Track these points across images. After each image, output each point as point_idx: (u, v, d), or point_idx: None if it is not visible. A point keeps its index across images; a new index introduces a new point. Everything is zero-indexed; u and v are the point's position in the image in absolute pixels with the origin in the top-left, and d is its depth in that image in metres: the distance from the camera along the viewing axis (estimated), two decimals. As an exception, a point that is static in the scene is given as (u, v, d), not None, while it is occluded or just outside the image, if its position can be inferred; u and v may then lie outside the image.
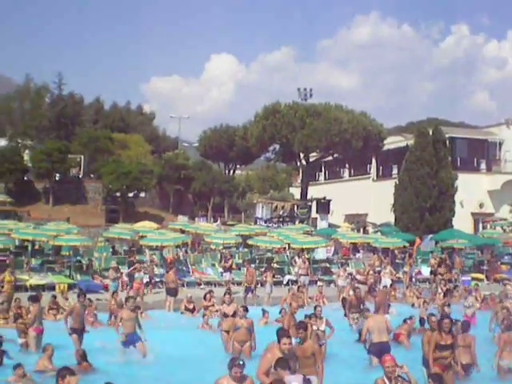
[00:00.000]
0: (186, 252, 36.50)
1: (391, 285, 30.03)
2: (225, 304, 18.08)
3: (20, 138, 61.38)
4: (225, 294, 18.55)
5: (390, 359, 10.56)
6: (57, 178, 56.46)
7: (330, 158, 63.60)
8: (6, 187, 53.55)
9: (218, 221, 55.72)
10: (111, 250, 36.34)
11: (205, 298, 24.29)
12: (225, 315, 17.52)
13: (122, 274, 29.04)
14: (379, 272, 32.23)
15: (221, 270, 32.76)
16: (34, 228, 35.13)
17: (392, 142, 60.34)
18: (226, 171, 75.40)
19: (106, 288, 28.15)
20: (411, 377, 11.60)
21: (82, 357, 14.37)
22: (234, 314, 16.81)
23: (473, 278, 35.43)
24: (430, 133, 47.81)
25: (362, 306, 20.36)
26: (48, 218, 43.22)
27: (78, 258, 32.95)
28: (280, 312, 21.03)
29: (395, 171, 57.06)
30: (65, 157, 54.98)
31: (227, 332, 16.62)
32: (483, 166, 58.42)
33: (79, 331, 16.50)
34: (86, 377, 12.93)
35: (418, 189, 45.92)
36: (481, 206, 56.22)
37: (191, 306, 24.34)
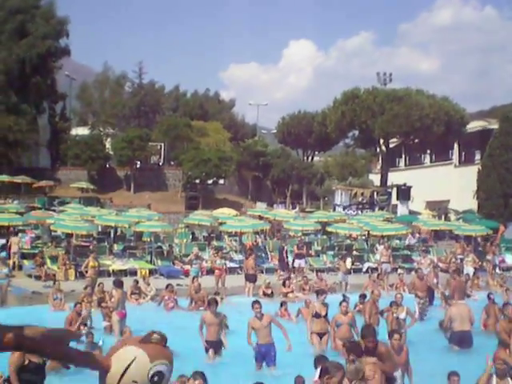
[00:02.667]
0: (265, 238, 36.56)
1: (474, 273, 29.41)
2: (316, 303, 16.17)
3: (102, 127, 62.64)
4: (318, 295, 16.50)
5: (500, 357, 10.15)
6: (138, 166, 57.46)
7: (411, 143, 62.58)
8: (88, 175, 54.78)
9: (297, 207, 55.65)
10: (191, 236, 36.71)
11: (284, 284, 24.29)
12: (316, 315, 15.69)
13: (202, 259, 29.36)
14: (461, 260, 31.60)
15: (293, 257, 32.50)
16: (116, 214, 35.90)
17: (475, 127, 58.91)
18: (305, 158, 75.14)
19: (186, 273, 28.51)
20: None
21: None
22: (326, 315, 15.54)
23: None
24: (515, 117, 46.50)
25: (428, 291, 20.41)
26: (129, 205, 44.02)
27: (159, 243, 33.43)
28: (360, 298, 20.77)
29: (478, 157, 55.76)
30: (145, 144, 55.91)
31: (319, 335, 15.38)
32: None
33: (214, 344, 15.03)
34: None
35: (502, 175, 44.79)
36: None
37: (269, 292, 24.37)
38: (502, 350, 10.77)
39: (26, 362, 10.24)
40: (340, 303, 15.40)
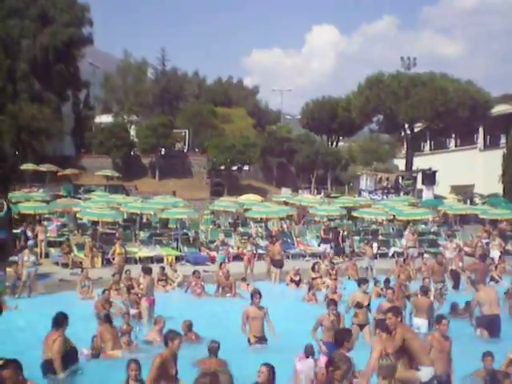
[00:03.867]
0: (291, 224, 36.64)
1: (500, 257, 29.28)
2: (358, 293, 15.24)
3: (126, 114, 62.91)
4: (360, 284, 15.64)
5: None
6: (162, 153, 57.68)
7: (436, 127, 62.20)
8: (113, 162, 55.11)
9: (322, 193, 55.63)
10: (212, 223, 36.70)
11: (313, 269, 24.32)
12: (358, 305, 14.69)
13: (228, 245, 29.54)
14: (487, 244, 31.49)
15: (318, 241, 32.70)
16: (142, 202, 36.10)
17: (500, 111, 58.43)
18: (329, 143, 75.00)
19: (212, 260, 28.68)
20: None
21: (189, 327, 14.72)
22: (369, 305, 14.89)
23: None
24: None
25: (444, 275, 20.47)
26: (154, 192, 44.23)
27: (185, 230, 33.60)
28: (384, 282, 20.81)
29: (503, 140, 55.32)
30: (170, 131, 56.11)
31: (360, 326, 14.47)
32: None
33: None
34: (191, 346, 13.24)
35: (528, 158, 44.44)
36: None
37: (297, 278, 24.45)
38: None
39: (68, 348, 10.58)
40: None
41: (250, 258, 26.25)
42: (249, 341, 13.87)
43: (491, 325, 15.18)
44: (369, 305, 14.80)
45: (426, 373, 9.20)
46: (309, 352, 10.76)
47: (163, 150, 57.85)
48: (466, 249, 32.20)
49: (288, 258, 30.05)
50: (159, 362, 9.28)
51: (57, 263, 27.58)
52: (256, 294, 14.01)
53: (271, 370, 8.46)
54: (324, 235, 32.13)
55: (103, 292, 17.77)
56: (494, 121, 58.64)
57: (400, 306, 14.52)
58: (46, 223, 32.12)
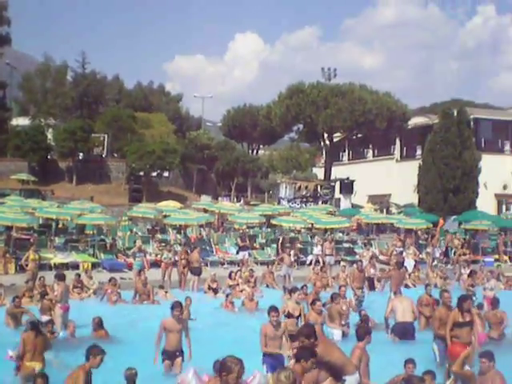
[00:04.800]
0: (210, 231, 36.59)
1: (415, 265, 29.99)
2: (289, 302, 14.98)
3: (43, 117, 61.59)
4: (290, 292, 15.58)
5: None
6: (80, 157, 56.68)
7: (354, 138, 63.29)
8: (29, 166, 53.80)
9: (242, 201, 55.75)
10: (129, 232, 36.23)
11: (230, 276, 24.37)
12: (289, 315, 14.34)
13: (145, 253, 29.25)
14: (401, 252, 32.21)
15: (237, 248, 32.90)
16: (58, 207, 35.41)
17: (416, 123, 59.94)
18: (250, 151, 75.31)
19: (129, 267, 28.34)
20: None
21: (99, 324, 14.63)
22: (299, 316, 14.45)
23: (496, 260, 35.30)
24: (455, 114, 47.40)
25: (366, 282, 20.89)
26: (71, 197, 43.43)
27: (102, 236, 33.12)
28: (301, 288, 21.04)
29: (419, 152, 56.73)
30: (88, 136, 55.15)
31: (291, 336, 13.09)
32: (507, 147, 57.91)
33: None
34: (101, 344, 13.14)
35: (442, 170, 45.64)
36: (504, 187, 55.76)
37: (215, 286, 24.41)
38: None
39: None
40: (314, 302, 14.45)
41: (168, 266, 26.09)
42: (162, 353, 12.61)
43: (405, 332, 15.50)
44: (299, 315, 14.41)
45: (350, 382, 9.30)
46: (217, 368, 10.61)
47: (81, 154, 56.82)
48: (382, 257, 32.88)
49: (206, 265, 30.01)
50: (81, 378, 8.99)
51: (-32, 269, 26.74)
52: (177, 307, 12.71)
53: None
54: (242, 242, 32.24)
55: (13, 300, 17.34)
56: (410, 132, 60.08)
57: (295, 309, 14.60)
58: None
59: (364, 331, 10.90)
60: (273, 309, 12.50)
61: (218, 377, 7.34)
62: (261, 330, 12.13)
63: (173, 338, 12.61)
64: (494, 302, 15.42)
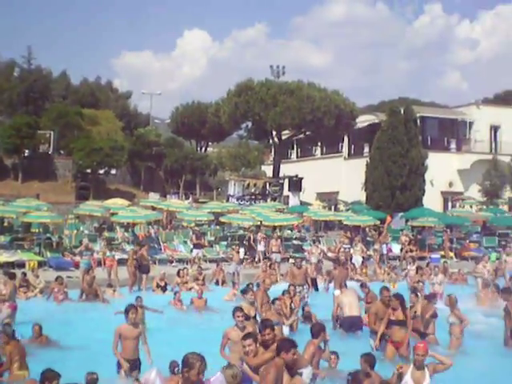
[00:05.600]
0: (158, 229, 36.39)
1: (362, 262, 30.29)
2: (243, 304, 14.08)
3: (-13, 113, 60.47)
4: (244, 293, 15.16)
5: (422, 347, 9.91)
6: (26, 154, 55.72)
7: (302, 135, 63.59)
8: (-27, 163, 52.83)
9: (190, 198, 55.55)
10: (76, 230, 35.77)
11: (178, 274, 24.29)
12: (246, 317, 12.66)
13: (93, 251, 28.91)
14: (349, 249, 32.52)
15: (191, 246, 32.81)
16: (3, 204, 34.75)
17: (364, 121, 60.48)
18: (198, 148, 75.09)
19: (76, 266, 27.97)
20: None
21: (38, 332, 14.43)
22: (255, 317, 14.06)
23: (442, 256, 35.87)
24: (402, 112, 47.92)
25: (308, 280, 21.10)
26: (17, 195, 42.73)
27: (48, 235, 32.60)
28: (248, 286, 21.11)
29: (367, 150, 57.20)
30: (34, 132, 54.25)
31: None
32: (453, 145, 58.81)
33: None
34: (42, 350, 12.97)
35: (389, 167, 46.07)
36: (450, 185, 56.70)
37: (163, 284, 24.28)
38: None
39: None
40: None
41: (112, 264, 25.84)
42: (118, 365, 11.43)
43: (352, 326, 15.62)
44: (255, 316, 14.13)
45: (307, 374, 9.44)
46: (173, 367, 10.52)
47: (27, 151, 55.87)
48: (330, 254, 33.11)
49: (155, 263, 29.82)
50: None
51: None
52: (132, 309, 11.68)
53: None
54: (196, 240, 32.14)
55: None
56: (358, 130, 60.61)
57: (265, 310, 14.67)
58: None
59: (319, 328, 11.02)
60: (238, 309, 11.71)
61: (172, 375, 7.26)
62: (224, 334, 11.26)
63: (130, 345, 11.45)
64: (429, 297, 15.72)
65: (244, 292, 15.24)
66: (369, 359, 10.02)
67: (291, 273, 21.80)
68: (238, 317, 11.39)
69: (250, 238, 34.02)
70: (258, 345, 9.58)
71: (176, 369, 11.51)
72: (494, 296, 20.25)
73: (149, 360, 11.54)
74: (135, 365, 11.43)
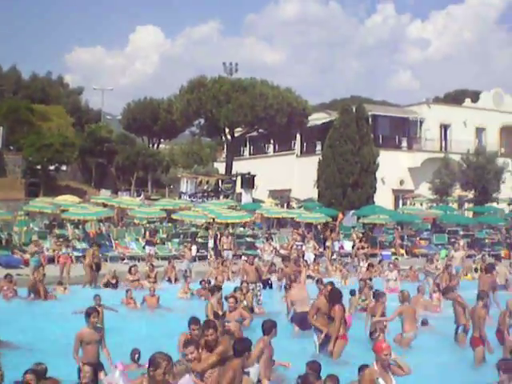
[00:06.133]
0: (109, 226, 36.05)
1: (314, 259, 30.46)
2: (213, 301, 14.63)
3: None
4: (211, 292, 15.29)
5: (387, 347, 9.31)
6: (-26, 150, 54.78)
7: (255, 133, 63.63)
8: None
9: (142, 195, 55.22)
10: (25, 227, 35.16)
11: (130, 271, 24.10)
12: (215, 316, 13.20)
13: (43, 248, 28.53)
14: (301, 246, 32.70)
15: (143, 243, 32.58)
16: (-49, 201, 34.07)
17: (316, 119, 60.73)
18: (150, 145, 74.66)
19: (26, 263, 27.58)
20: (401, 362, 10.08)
21: None
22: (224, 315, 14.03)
23: (393, 253, 36.29)
24: (354, 110, 48.28)
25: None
26: (-35, 191, 41.96)
27: (-3, 232, 32.12)
28: (200, 283, 21.14)
29: (319, 147, 57.53)
30: (-17, 128, 53.38)
31: None
32: (404, 143, 59.49)
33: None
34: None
35: (341, 165, 46.39)
36: (401, 182, 57.36)
37: (114, 281, 24.07)
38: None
39: None
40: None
41: (66, 261, 25.55)
42: (79, 372, 10.80)
43: (303, 321, 15.58)
44: (224, 315, 14.05)
45: (253, 373, 9.36)
46: (133, 355, 10.47)
47: (-25, 147, 54.93)
48: (282, 251, 33.25)
49: (106, 260, 29.56)
50: None
51: None
52: (94, 313, 11.15)
53: None
54: (149, 237, 31.91)
55: None
56: (310, 128, 60.86)
57: (218, 309, 14.64)
58: None
59: (270, 325, 10.98)
60: (193, 321, 10.80)
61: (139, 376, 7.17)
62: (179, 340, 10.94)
63: (92, 349, 10.93)
64: (378, 295, 15.82)
65: (213, 291, 15.32)
66: (314, 366, 9.35)
67: (244, 270, 21.82)
68: (194, 330, 10.59)
69: (217, 236, 33.56)
70: (200, 350, 9.38)
71: (137, 356, 11.52)
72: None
73: (109, 362, 11.16)
74: (98, 368, 10.94)
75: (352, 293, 19.36)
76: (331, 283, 15.16)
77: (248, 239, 37.42)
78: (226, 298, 15.35)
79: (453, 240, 37.74)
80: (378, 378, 9.02)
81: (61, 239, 30.57)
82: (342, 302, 13.68)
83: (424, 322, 16.86)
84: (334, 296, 13.50)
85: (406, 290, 15.25)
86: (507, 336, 13.42)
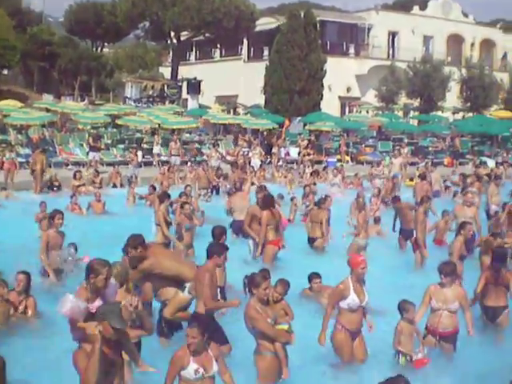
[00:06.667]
0: (53, 132, 35.40)
1: (260, 165, 30.55)
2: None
3: None
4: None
5: (363, 260, 8.68)
6: None
7: (202, 37, 62.48)
8: None
9: (86, 100, 54.26)
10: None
11: (74, 177, 23.83)
12: None
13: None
14: (248, 153, 32.75)
15: (87, 149, 32.11)
16: None
17: (264, 24, 59.78)
18: (94, 48, 72.84)
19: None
20: None
21: None
22: None
23: (338, 160, 36.59)
24: (302, 15, 47.58)
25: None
26: None
27: None
28: (150, 188, 21.10)
29: (266, 53, 56.87)
30: None
31: None
32: (352, 50, 59.19)
33: None
34: None
35: (288, 71, 46.01)
36: (348, 90, 57.38)
37: (57, 184, 23.91)
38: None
39: None
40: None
41: (10, 167, 25.13)
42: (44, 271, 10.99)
43: (241, 229, 15.43)
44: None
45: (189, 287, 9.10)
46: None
47: None
48: (229, 157, 33.27)
49: (50, 166, 29.13)
50: None
51: None
52: (58, 214, 11.15)
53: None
54: (93, 143, 31.45)
55: None
56: (258, 33, 59.98)
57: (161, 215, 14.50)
58: None
59: (220, 231, 10.46)
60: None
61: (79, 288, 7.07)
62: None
63: (54, 254, 10.98)
64: (321, 200, 15.77)
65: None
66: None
67: (197, 175, 21.83)
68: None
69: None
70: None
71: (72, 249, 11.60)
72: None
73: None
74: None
75: (292, 199, 19.66)
76: (263, 187, 15.11)
77: (195, 145, 37.21)
78: (183, 206, 15.29)
79: (397, 147, 38.15)
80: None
81: (3, 145, 30.08)
82: (275, 207, 13.81)
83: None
84: (265, 202, 13.59)
85: (362, 198, 15.23)
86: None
